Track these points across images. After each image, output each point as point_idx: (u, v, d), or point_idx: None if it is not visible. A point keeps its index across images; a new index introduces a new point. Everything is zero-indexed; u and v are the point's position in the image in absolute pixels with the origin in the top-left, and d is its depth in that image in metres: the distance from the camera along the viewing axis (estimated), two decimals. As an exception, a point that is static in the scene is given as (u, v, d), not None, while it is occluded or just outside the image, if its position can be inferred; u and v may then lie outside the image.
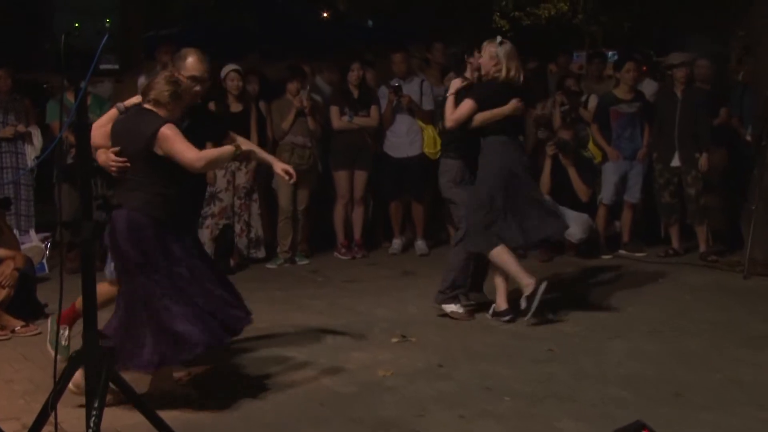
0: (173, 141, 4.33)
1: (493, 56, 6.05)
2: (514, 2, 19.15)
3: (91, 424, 3.46)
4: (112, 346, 4.21)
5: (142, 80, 7.19)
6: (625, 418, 3.91)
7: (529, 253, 7.81)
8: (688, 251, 8.30)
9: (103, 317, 4.25)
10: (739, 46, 9.26)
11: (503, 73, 6.04)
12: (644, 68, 9.55)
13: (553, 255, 8.17)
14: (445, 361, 5.22)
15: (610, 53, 12.36)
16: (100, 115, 4.98)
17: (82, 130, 3.64)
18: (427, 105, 8.44)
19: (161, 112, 4.46)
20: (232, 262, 7.91)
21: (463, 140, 6.24)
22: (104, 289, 4.58)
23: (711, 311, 6.40)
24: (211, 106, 7.81)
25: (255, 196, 8.00)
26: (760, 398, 4.59)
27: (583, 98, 8.85)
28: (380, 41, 12.42)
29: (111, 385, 3.73)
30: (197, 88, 4.78)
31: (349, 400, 4.62)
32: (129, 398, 3.85)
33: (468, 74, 6.30)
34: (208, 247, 7.76)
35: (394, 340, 5.70)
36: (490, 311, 6.22)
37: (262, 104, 8.16)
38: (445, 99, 6.35)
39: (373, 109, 8.35)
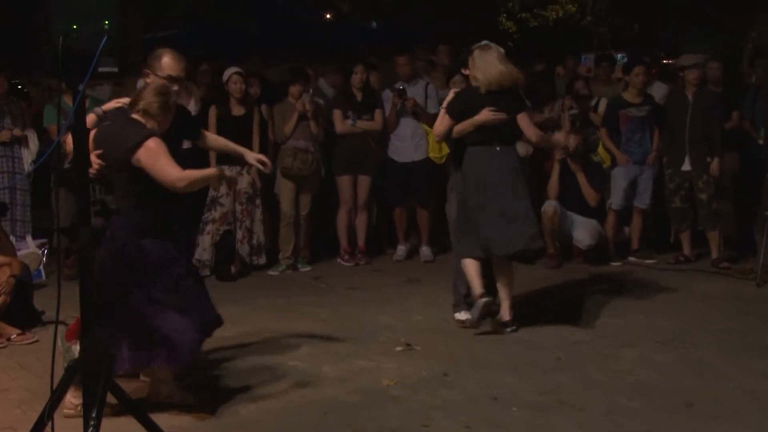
0: (156, 156, 4.28)
1: (470, 63, 6.03)
2: (520, 3, 19.06)
3: (90, 435, 3.42)
4: (110, 354, 4.16)
5: (140, 83, 7.13)
6: (635, 429, 3.95)
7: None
8: (699, 258, 8.25)
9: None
10: (751, 48, 9.20)
11: (473, 80, 6.02)
12: (653, 71, 9.47)
13: (561, 262, 8.13)
14: (450, 370, 5.19)
15: (619, 55, 12.28)
16: None
17: (80, 134, 3.60)
18: (432, 108, 8.34)
19: (149, 124, 4.45)
20: (233, 269, 7.86)
21: (457, 151, 6.28)
22: None
23: (723, 320, 6.35)
24: (213, 109, 7.78)
25: (258, 201, 7.93)
26: (774, 409, 4.56)
27: (593, 102, 8.81)
28: (384, 43, 12.40)
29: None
30: (175, 87, 4.81)
31: (352, 410, 4.58)
32: (128, 408, 3.83)
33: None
34: (209, 254, 7.72)
35: (399, 348, 5.67)
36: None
37: (263, 107, 8.10)
38: None
39: (377, 113, 8.29)
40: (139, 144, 4.28)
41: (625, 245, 8.46)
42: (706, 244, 8.20)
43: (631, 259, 8.29)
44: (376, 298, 7.08)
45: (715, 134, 7.97)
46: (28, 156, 8.10)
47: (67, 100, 5.73)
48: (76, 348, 4.74)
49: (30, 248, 7.75)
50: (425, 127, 8.33)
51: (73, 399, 4.26)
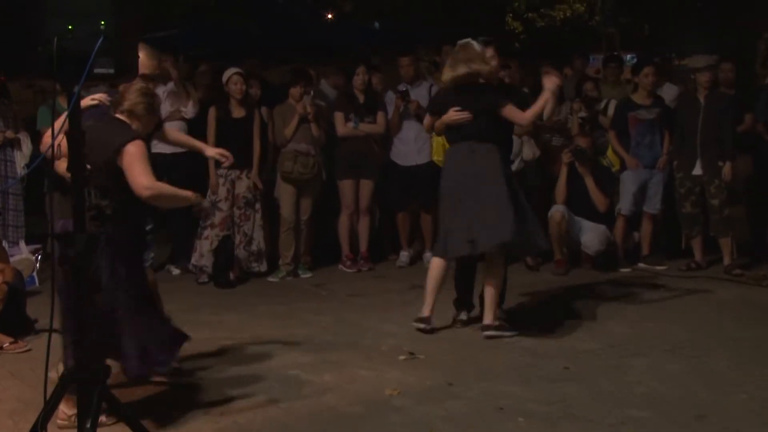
0: (134, 160, 4.30)
1: None
2: (527, 3, 19.00)
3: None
4: (105, 364, 4.09)
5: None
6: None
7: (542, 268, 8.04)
8: (711, 264, 8.18)
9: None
10: (764, 49, 9.13)
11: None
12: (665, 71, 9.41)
13: (568, 268, 8.09)
14: (455, 380, 5.12)
15: (628, 56, 12.20)
16: None
17: (76, 136, 3.57)
18: (436, 111, 8.26)
19: (134, 125, 4.49)
20: (231, 275, 7.77)
21: None
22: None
23: (736, 328, 6.28)
24: (212, 111, 7.67)
25: (258, 206, 7.84)
26: (789, 421, 4.50)
27: (602, 104, 8.75)
28: (387, 44, 12.42)
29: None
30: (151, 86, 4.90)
31: (354, 421, 4.53)
32: (124, 419, 3.83)
33: None
34: (207, 260, 7.62)
35: (402, 357, 5.60)
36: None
37: (263, 109, 8.04)
38: None
39: (380, 116, 8.23)
40: (124, 144, 4.29)
41: (635, 251, 8.43)
42: (718, 250, 8.11)
43: (641, 265, 8.23)
44: (379, 305, 7.04)
45: (727, 137, 7.89)
46: (21, 159, 8.04)
47: (62, 102, 5.61)
48: None
49: (23, 254, 7.70)
50: (429, 129, 8.28)
51: (66, 410, 4.23)
